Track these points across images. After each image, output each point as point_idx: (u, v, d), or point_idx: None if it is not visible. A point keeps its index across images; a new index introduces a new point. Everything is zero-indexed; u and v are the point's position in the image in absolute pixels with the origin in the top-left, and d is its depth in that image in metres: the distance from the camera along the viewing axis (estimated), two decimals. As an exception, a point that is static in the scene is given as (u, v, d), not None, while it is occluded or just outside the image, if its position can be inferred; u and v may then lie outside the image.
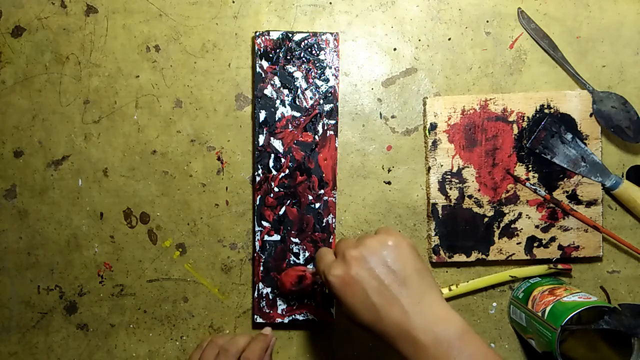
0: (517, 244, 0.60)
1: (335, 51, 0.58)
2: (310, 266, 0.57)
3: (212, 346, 0.57)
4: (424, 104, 0.60)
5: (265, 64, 0.58)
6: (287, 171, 0.58)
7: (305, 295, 0.58)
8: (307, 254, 0.59)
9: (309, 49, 0.58)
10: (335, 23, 0.61)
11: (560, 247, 0.60)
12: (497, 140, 0.60)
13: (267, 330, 0.59)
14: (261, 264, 0.59)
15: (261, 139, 0.58)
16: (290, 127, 0.58)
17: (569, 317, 0.50)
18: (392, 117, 0.61)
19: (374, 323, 0.42)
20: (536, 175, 0.60)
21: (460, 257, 0.60)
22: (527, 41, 0.61)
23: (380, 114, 0.61)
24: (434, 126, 0.60)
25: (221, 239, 0.61)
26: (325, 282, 0.45)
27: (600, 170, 0.59)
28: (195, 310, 0.62)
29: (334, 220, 0.59)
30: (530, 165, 0.60)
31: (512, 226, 0.60)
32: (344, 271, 0.43)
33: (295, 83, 0.58)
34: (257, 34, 0.57)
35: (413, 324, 0.41)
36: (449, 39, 0.61)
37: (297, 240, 0.59)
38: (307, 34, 0.58)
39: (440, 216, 0.60)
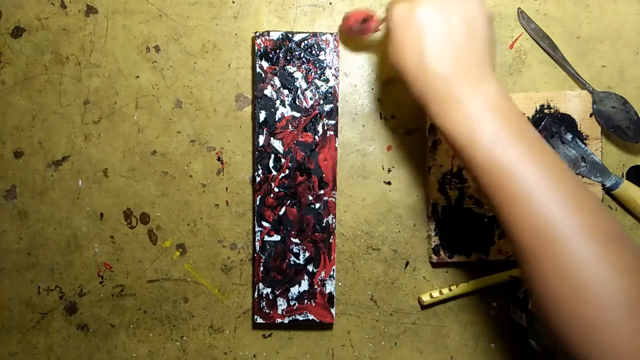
0: (517, 244, 0.60)
1: (335, 51, 0.58)
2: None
3: None
4: (424, 104, 0.60)
5: (265, 64, 0.58)
6: (287, 171, 0.58)
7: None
8: (307, 254, 0.59)
9: (309, 50, 0.58)
10: (335, 23, 0.61)
11: (560, 247, 0.60)
12: (497, 141, 0.60)
13: None
14: (261, 264, 0.59)
15: (261, 139, 0.58)
16: (290, 127, 0.58)
17: (569, 317, 0.50)
18: (392, 117, 0.61)
19: (417, 71, 0.39)
20: (536, 175, 0.60)
21: (460, 257, 0.60)
22: (527, 41, 0.61)
23: (380, 114, 0.61)
24: (434, 126, 0.60)
25: (221, 239, 0.61)
26: (388, 16, 0.41)
27: (600, 171, 0.59)
28: (195, 310, 0.62)
29: (334, 221, 0.59)
30: (530, 166, 0.60)
31: (512, 226, 0.60)
32: (411, 7, 0.39)
33: (295, 83, 0.58)
34: (257, 34, 0.57)
35: (460, 83, 0.37)
36: (449, 39, 0.61)
37: (297, 240, 0.59)
38: (307, 34, 0.58)
39: (441, 216, 0.60)
